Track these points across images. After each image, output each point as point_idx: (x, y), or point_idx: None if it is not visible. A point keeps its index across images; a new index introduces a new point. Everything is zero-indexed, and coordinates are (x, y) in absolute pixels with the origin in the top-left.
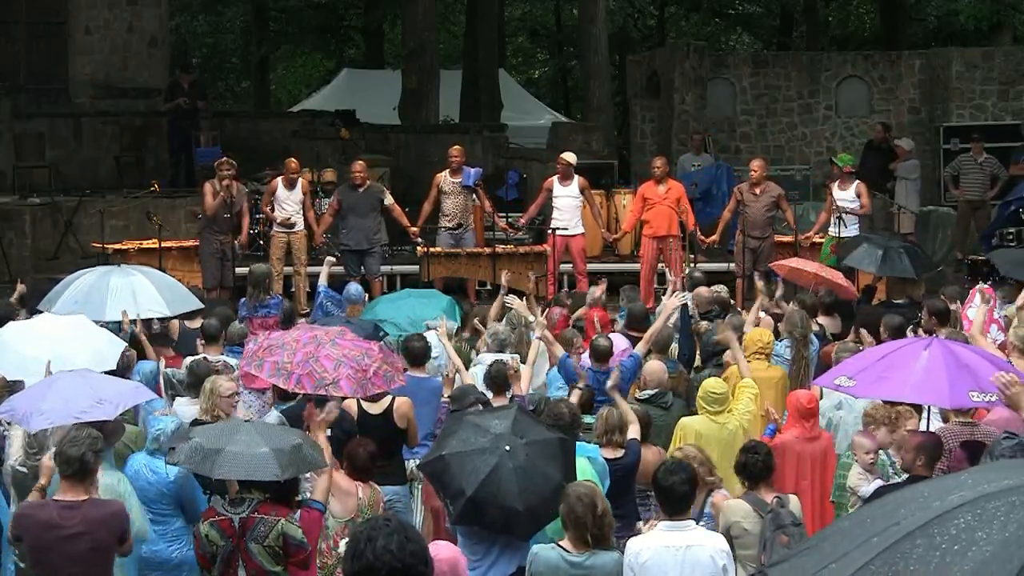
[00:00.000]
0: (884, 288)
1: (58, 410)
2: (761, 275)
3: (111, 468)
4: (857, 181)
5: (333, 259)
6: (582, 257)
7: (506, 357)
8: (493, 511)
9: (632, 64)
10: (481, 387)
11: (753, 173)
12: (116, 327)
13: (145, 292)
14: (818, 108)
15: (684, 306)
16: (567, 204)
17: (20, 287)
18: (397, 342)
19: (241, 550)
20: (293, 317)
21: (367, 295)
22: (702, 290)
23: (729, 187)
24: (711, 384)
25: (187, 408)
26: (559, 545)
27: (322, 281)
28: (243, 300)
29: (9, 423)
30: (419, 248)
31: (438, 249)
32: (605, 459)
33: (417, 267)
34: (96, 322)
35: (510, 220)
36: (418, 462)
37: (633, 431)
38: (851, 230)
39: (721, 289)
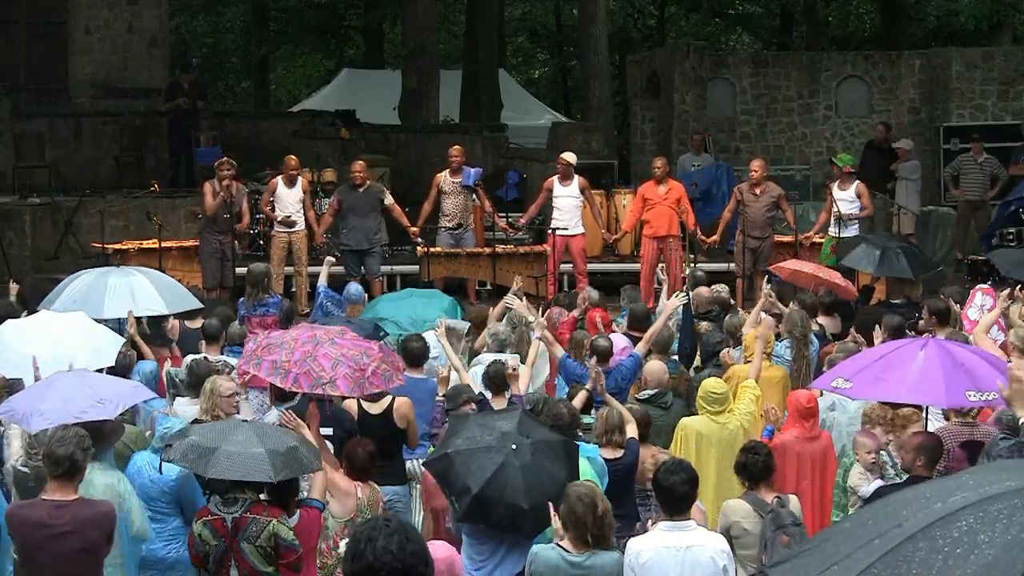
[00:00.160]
0: (883, 288)
1: (58, 410)
2: (760, 275)
3: (111, 468)
4: (857, 181)
5: (333, 259)
6: (582, 257)
7: (506, 357)
8: (499, 509)
9: (632, 64)
10: (480, 387)
11: (753, 173)
12: (116, 326)
13: (143, 291)
14: (818, 108)
15: (686, 304)
16: (567, 204)
17: (14, 287)
18: (397, 341)
19: (234, 550)
20: (292, 317)
21: (367, 295)
22: (702, 290)
23: (729, 187)
24: (711, 384)
25: (187, 408)
26: (559, 545)
27: (322, 281)
28: (242, 299)
29: (8, 423)
30: (419, 248)
31: (438, 249)
32: (604, 459)
33: (417, 267)
34: (94, 320)
35: (510, 220)
36: (418, 462)
37: (630, 430)
38: (851, 230)
39: (722, 289)
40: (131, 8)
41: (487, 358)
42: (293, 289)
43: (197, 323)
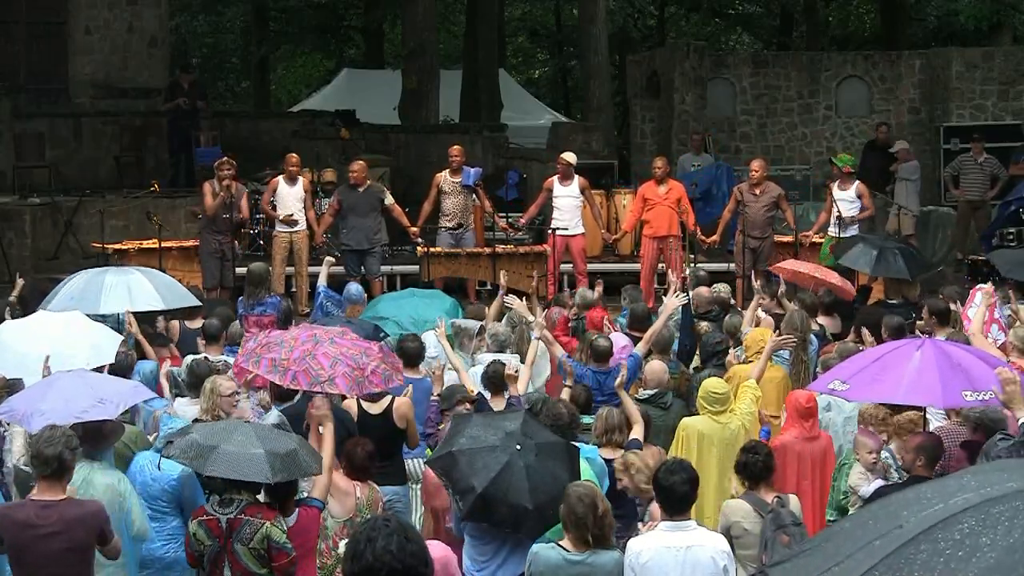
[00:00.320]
0: (881, 289)
1: (58, 410)
2: (760, 275)
3: (111, 468)
4: (857, 181)
5: (333, 259)
6: (582, 257)
7: (506, 357)
8: (503, 508)
9: (632, 64)
10: (479, 387)
11: (753, 173)
12: (115, 325)
13: (141, 287)
14: (818, 108)
15: (686, 304)
16: (567, 204)
17: (19, 282)
18: (397, 342)
19: (227, 551)
20: (291, 317)
21: (367, 295)
22: (702, 290)
23: (729, 187)
24: (712, 384)
25: (187, 408)
26: (559, 545)
27: (322, 281)
28: (241, 298)
29: (9, 423)
30: (419, 248)
31: (438, 249)
32: (604, 459)
33: (417, 267)
34: (92, 316)
35: (510, 220)
36: (416, 462)
37: (637, 431)
38: (851, 230)
39: (722, 288)
40: (131, 8)
41: (486, 358)
42: (293, 289)
43: (197, 323)
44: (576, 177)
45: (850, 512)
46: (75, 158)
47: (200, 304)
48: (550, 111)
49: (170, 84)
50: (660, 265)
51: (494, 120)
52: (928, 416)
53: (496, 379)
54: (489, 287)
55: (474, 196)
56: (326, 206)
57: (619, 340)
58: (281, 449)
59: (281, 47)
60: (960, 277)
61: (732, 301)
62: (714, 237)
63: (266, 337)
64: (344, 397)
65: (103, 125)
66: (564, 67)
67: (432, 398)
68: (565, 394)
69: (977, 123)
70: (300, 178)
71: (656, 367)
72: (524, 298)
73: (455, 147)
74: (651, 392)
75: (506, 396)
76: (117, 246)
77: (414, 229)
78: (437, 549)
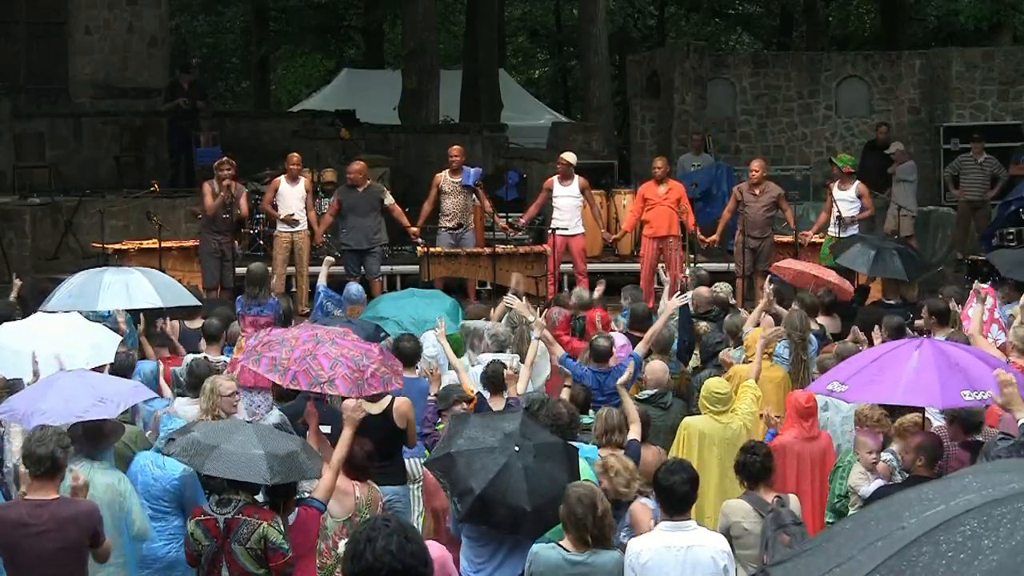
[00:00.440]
0: (880, 289)
1: (59, 410)
2: (761, 275)
3: (111, 467)
4: (857, 181)
5: (332, 259)
6: (582, 257)
7: (506, 357)
8: (501, 510)
9: (632, 64)
10: (479, 387)
11: (753, 173)
12: (114, 325)
13: (139, 286)
14: (818, 108)
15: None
16: (567, 204)
17: (17, 282)
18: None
19: (225, 551)
20: (290, 318)
21: (366, 295)
22: (702, 290)
23: (729, 187)
24: (714, 384)
25: (187, 408)
26: (559, 545)
27: (321, 281)
28: (239, 297)
29: (8, 423)
30: (419, 248)
31: (438, 249)
32: None
33: (417, 267)
34: (91, 314)
35: (510, 220)
36: (415, 461)
37: (635, 431)
38: (851, 230)
39: (723, 288)
40: (131, 8)
41: (486, 358)
42: (293, 289)
43: (197, 323)
44: (576, 177)
45: (850, 512)
46: (75, 158)
47: (200, 304)
48: (550, 111)
49: (170, 84)
50: (660, 265)
51: (494, 120)
52: (928, 416)
53: (496, 379)
54: (489, 287)
55: (474, 196)
56: (326, 206)
57: (617, 340)
58: (281, 451)
59: (281, 47)
60: (960, 277)
61: (732, 301)
62: (713, 237)
63: (267, 335)
64: (344, 398)
65: (103, 125)
66: (564, 67)
67: (429, 398)
68: (565, 394)
69: (977, 123)
70: (302, 178)
71: (656, 367)
72: (524, 297)
73: (455, 147)
74: (651, 392)
75: (505, 396)
76: (117, 246)
77: (414, 229)
78: (434, 549)
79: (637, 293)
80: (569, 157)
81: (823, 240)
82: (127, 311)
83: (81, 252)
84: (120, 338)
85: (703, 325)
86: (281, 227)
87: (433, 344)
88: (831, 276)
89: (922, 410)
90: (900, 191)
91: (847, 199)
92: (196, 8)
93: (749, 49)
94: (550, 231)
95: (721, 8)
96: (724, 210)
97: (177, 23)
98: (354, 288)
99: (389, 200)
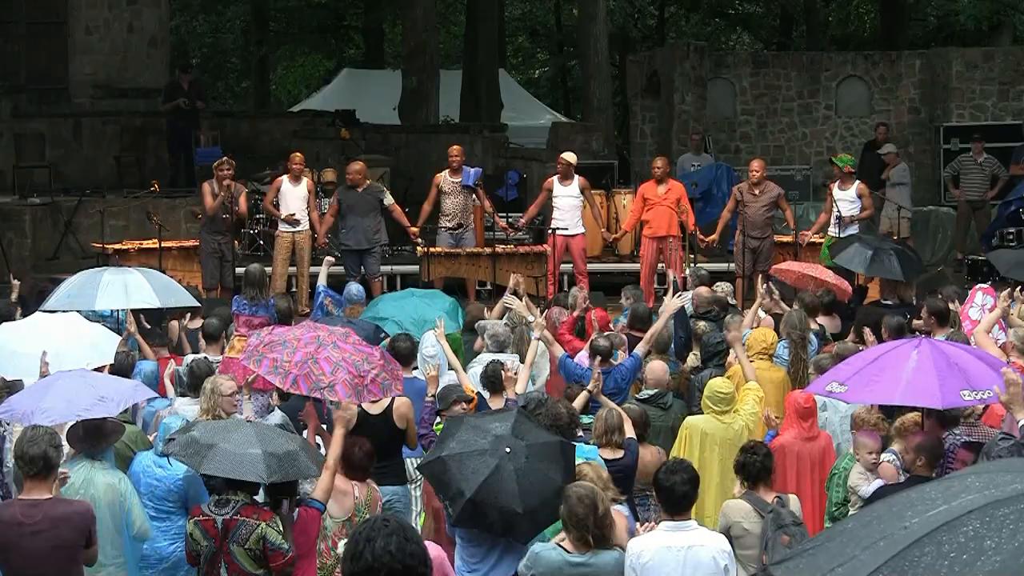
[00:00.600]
0: (877, 289)
1: (59, 408)
2: (761, 277)
3: (111, 467)
4: (857, 181)
5: (332, 259)
6: (582, 257)
7: (505, 357)
8: (493, 513)
9: (632, 64)
10: (478, 387)
11: (754, 173)
12: (114, 325)
13: (137, 285)
14: (818, 108)
15: None
16: (567, 204)
17: (16, 283)
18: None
19: (223, 552)
20: (291, 318)
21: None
22: (702, 290)
23: (729, 187)
24: (717, 384)
25: (187, 408)
26: (560, 545)
27: (321, 281)
28: (236, 296)
29: (9, 423)
30: (419, 248)
31: (438, 249)
32: (604, 459)
33: (417, 267)
34: (91, 314)
35: (510, 220)
36: (413, 461)
37: (627, 430)
38: (850, 230)
39: (724, 287)
40: (131, 8)
41: (486, 358)
42: (294, 289)
43: (197, 323)
44: (576, 177)
45: (850, 513)
46: (75, 158)
47: (199, 305)
48: (550, 111)
49: (170, 84)
50: (660, 265)
51: (494, 120)
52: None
53: (495, 378)
54: (489, 287)
55: (474, 196)
56: (326, 206)
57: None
58: (280, 450)
59: (281, 47)
60: (960, 277)
61: (732, 301)
62: (713, 236)
63: (269, 335)
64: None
65: (103, 125)
66: (564, 67)
67: (426, 399)
68: (581, 398)
69: (977, 123)
70: (304, 178)
71: (656, 367)
72: (525, 297)
73: (455, 147)
74: (651, 392)
75: (504, 397)
76: (117, 246)
77: (414, 229)
78: (432, 550)
79: (638, 293)
80: (569, 157)
81: (823, 240)
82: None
83: (81, 252)
84: (119, 338)
85: (703, 325)
86: (283, 227)
87: (432, 344)
88: (828, 276)
89: (922, 410)
90: (895, 194)
91: (847, 199)
92: (196, 8)
93: (749, 49)
94: (550, 231)
95: (721, 8)
96: (724, 210)
97: (177, 23)
98: (354, 288)
99: (389, 200)
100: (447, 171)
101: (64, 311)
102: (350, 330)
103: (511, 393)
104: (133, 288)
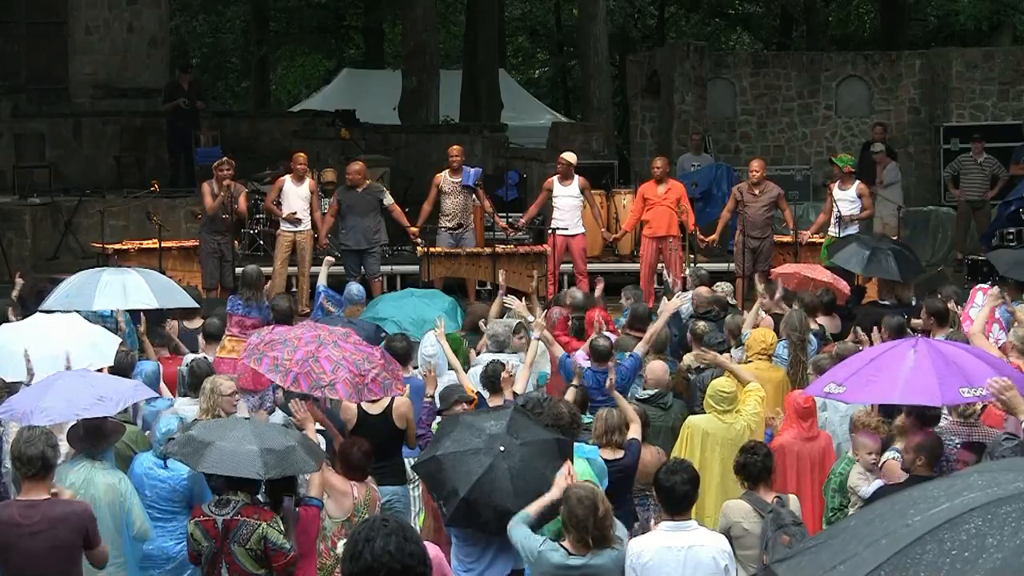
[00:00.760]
0: (876, 289)
1: (59, 408)
2: (762, 277)
3: (112, 467)
4: (857, 182)
5: (332, 259)
6: (582, 257)
7: (505, 357)
8: (487, 512)
9: (632, 64)
10: (478, 387)
11: (754, 173)
12: (115, 325)
13: (135, 286)
14: (818, 108)
15: None
16: (567, 204)
17: (19, 281)
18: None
19: (224, 552)
20: (291, 318)
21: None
22: (702, 290)
23: (729, 187)
24: (720, 383)
25: (187, 408)
26: (561, 546)
27: (321, 281)
28: (232, 296)
29: (7, 423)
30: (419, 248)
31: (438, 249)
32: (604, 460)
33: (417, 267)
34: (91, 315)
35: (510, 220)
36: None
37: (634, 430)
38: (850, 229)
39: (724, 287)
40: (131, 8)
41: (485, 358)
42: (294, 289)
43: (196, 323)
44: (576, 177)
45: (850, 512)
46: (75, 158)
47: (198, 306)
48: (550, 111)
49: (169, 84)
50: (659, 265)
51: (494, 120)
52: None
53: (495, 378)
54: (489, 287)
55: (474, 196)
56: (326, 206)
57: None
58: (277, 446)
59: (281, 47)
60: (960, 277)
61: (732, 301)
62: (713, 236)
63: (270, 334)
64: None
65: (103, 125)
66: (564, 67)
67: (425, 399)
68: (570, 395)
69: (977, 123)
70: (307, 178)
71: (656, 367)
72: (524, 298)
73: (455, 147)
74: (651, 392)
75: (503, 397)
76: (117, 246)
77: (414, 229)
78: (430, 549)
79: (638, 293)
80: (569, 157)
81: (823, 240)
82: (127, 311)
83: (81, 252)
84: (119, 339)
85: (703, 325)
86: (284, 226)
87: (432, 344)
88: (826, 276)
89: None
90: (889, 193)
91: (847, 199)
92: (196, 8)
93: (749, 49)
94: (550, 231)
95: (721, 8)
96: (724, 210)
97: (177, 23)
98: (354, 288)
99: (389, 200)
100: (447, 171)
101: (63, 311)
102: (350, 330)
103: (509, 394)
104: (131, 289)
